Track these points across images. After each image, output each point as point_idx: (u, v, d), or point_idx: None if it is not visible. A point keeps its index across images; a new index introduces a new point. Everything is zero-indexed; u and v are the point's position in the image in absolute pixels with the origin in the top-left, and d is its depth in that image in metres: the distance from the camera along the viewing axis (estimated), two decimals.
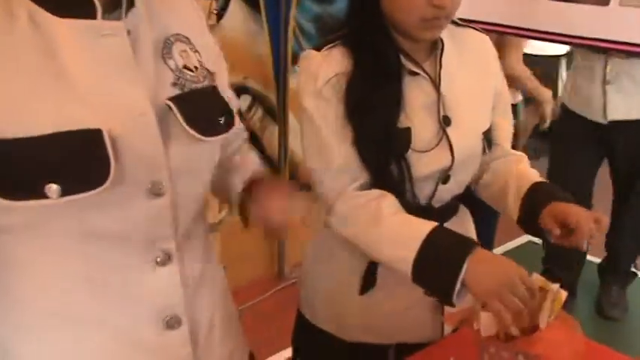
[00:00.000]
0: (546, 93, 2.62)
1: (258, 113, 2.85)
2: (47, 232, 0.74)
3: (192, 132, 0.80)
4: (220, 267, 1.02)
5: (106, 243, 0.77)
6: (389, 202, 1.13)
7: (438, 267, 1.04)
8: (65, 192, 0.69)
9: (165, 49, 0.82)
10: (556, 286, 1.05)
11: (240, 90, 2.76)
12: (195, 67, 0.85)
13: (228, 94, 0.94)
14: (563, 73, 4.09)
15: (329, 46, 1.17)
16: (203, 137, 0.82)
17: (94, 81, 0.73)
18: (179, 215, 0.83)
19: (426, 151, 1.16)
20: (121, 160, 0.73)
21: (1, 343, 0.81)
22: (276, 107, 2.84)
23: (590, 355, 1.11)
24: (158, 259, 0.82)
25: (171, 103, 0.79)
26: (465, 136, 1.20)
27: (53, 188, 0.69)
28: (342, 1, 3.04)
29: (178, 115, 0.79)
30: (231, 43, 2.63)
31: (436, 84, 1.18)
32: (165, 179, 0.79)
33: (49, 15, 0.71)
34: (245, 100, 2.78)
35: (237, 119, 0.93)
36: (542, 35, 1.91)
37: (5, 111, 0.68)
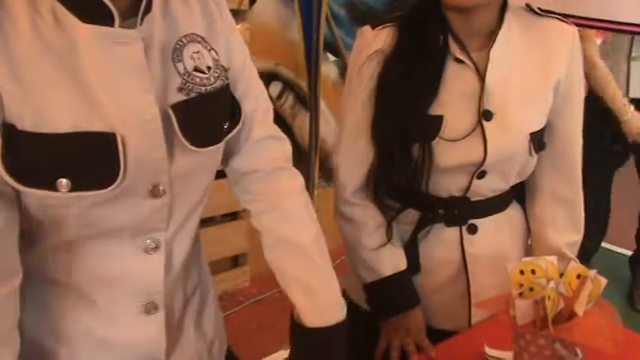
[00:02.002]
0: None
1: (289, 100, 2.85)
2: (46, 217, 0.77)
3: (187, 144, 0.81)
4: (204, 261, 1.04)
5: (100, 233, 0.80)
6: (369, 235, 1.22)
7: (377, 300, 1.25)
8: (74, 188, 0.73)
9: (175, 52, 0.82)
10: (594, 272, 1.03)
11: (271, 77, 2.76)
12: (209, 68, 0.85)
13: (243, 87, 0.93)
14: None
15: (384, 25, 1.17)
16: (197, 149, 0.83)
17: (108, 86, 0.75)
18: (174, 212, 0.86)
19: (455, 140, 1.13)
20: (129, 162, 0.76)
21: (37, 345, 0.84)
22: (307, 94, 2.83)
23: (628, 343, 1.09)
24: (146, 248, 0.85)
25: (171, 112, 0.80)
26: (506, 134, 1.15)
27: (64, 183, 0.72)
28: None
29: (176, 126, 0.80)
30: (263, 30, 2.63)
31: (481, 75, 1.14)
32: (165, 182, 0.81)
33: (73, 18, 0.73)
34: (276, 87, 2.79)
35: (242, 117, 0.92)
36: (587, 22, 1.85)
37: (29, 105, 0.70)
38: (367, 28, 1.19)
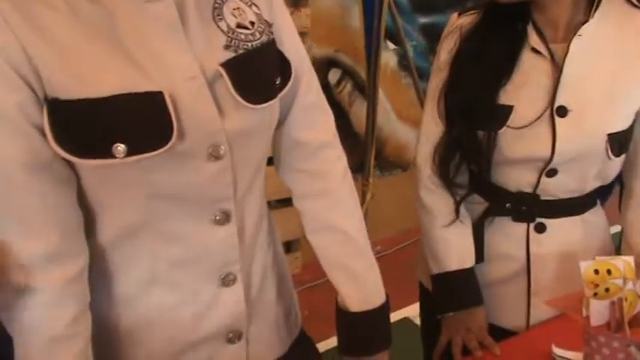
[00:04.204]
0: None
1: (347, 88, 2.84)
2: (113, 191, 0.77)
3: (242, 101, 0.80)
4: (275, 226, 1.04)
5: (167, 203, 0.80)
6: (440, 224, 1.22)
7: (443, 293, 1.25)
8: (131, 152, 0.72)
9: (215, 10, 0.81)
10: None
11: (330, 63, 2.75)
12: (252, 23, 0.84)
13: (288, 46, 0.92)
14: None
15: (471, 11, 1.17)
16: (254, 106, 0.82)
17: (147, 47, 0.74)
18: (238, 177, 0.85)
19: (521, 128, 1.09)
20: (181, 122, 0.75)
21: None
22: (365, 82, 2.81)
23: None
24: (217, 218, 0.84)
25: (222, 70, 0.78)
26: (580, 133, 1.09)
27: (120, 148, 0.72)
28: None
29: (229, 83, 0.79)
30: (323, 16, 2.62)
31: (559, 68, 1.09)
32: (223, 143, 0.80)
33: None
34: (335, 74, 2.77)
35: (294, 72, 0.91)
36: None
37: (69, 73, 0.70)
38: (454, 14, 1.21)
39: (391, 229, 2.92)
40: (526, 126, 1.09)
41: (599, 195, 1.24)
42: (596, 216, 1.25)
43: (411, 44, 3.00)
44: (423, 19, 2.98)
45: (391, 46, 2.94)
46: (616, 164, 1.16)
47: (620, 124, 1.12)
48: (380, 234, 2.98)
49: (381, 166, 3.04)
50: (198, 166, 0.79)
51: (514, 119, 1.10)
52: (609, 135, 1.10)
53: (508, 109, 1.10)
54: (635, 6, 1.11)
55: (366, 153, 2.83)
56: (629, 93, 1.10)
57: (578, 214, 1.21)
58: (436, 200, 1.22)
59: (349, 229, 1.00)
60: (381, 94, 2.84)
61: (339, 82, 2.81)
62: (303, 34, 2.43)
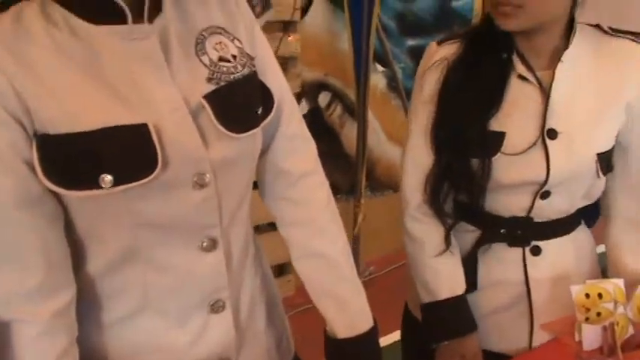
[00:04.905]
0: None
1: (337, 110, 2.86)
2: (101, 222, 0.79)
3: (224, 131, 0.82)
4: (262, 252, 1.06)
5: (155, 232, 0.81)
6: (429, 253, 1.21)
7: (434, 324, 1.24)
8: (118, 182, 0.74)
9: (198, 45, 0.84)
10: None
11: (320, 87, 2.77)
12: (234, 56, 0.86)
13: (270, 77, 0.95)
14: None
15: (450, 40, 1.18)
16: (236, 135, 0.84)
17: (132, 81, 0.76)
18: (223, 204, 0.87)
19: (516, 154, 1.11)
20: (166, 152, 0.77)
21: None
22: (355, 104, 2.84)
23: None
24: (204, 245, 0.86)
25: (204, 101, 0.81)
26: (571, 154, 1.12)
27: (107, 178, 0.73)
28: None
29: (211, 114, 0.81)
30: (313, 40, 2.65)
31: (546, 93, 1.12)
32: (208, 171, 0.82)
33: (86, 24, 0.75)
34: (325, 97, 2.80)
35: (276, 102, 0.94)
36: None
37: (58, 109, 0.72)
38: (432, 43, 1.21)
39: (384, 249, 2.93)
40: (521, 152, 1.11)
41: (586, 215, 1.26)
42: (583, 234, 1.27)
43: (400, 66, 3.03)
44: (411, 42, 3.02)
45: (380, 68, 2.98)
46: (602, 183, 1.19)
47: (607, 144, 1.15)
48: (373, 254, 2.98)
49: (372, 186, 3.06)
50: (184, 194, 0.81)
51: (507, 145, 1.11)
52: (598, 155, 1.13)
53: (500, 136, 1.12)
54: (605, 32, 1.16)
55: (357, 174, 2.85)
56: (612, 113, 1.14)
57: (568, 233, 1.23)
58: (425, 229, 1.22)
59: (333, 255, 1.01)
60: (371, 116, 2.87)
61: (329, 105, 2.83)
62: (293, 59, 2.45)
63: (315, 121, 2.79)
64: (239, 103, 0.86)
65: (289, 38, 2.40)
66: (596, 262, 1.29)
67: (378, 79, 2.98)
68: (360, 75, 2.73)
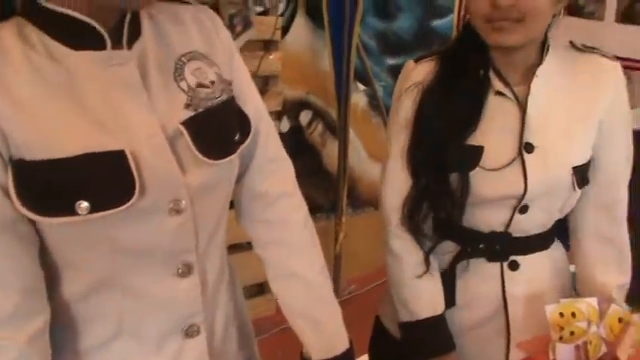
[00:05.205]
0: None
1: (318, 129, 2.88)
2: (78, 248, 0.78)
3: (202, 157, 0.83)
4: (235, 277, 1.06)
5: (131, 258, 0.81)
6: (409, 271, 1.21)
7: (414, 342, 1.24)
8: (94, 209, 0.74)
9: (176, 71, 0.84)
10: (636, 316, 1.02)
11: (301, 105, 2.79)
12: (213, 82, 0.87)
13: (247, 101, 0.96)
14: None
15: (427, 58, 1.19)
16: (214, 161, 0.85)
17: (109, 107, 0.77)
18: (199, 229, 0.87)
19: (495, 170, 1.12)
20: (143, 178, 0.77)
21: None
22: (336, 123, 2.85)
23: None
24: (180, 271, 0.86)
25: (182, 128, 0.81)
26: (548, 167, 1.14)
27: (83, 205, 0.73)
28: (404, 18, 3.05)
29: (189, 141, 0.81)
30: (294, 59, 2.67)
31: (523, 108, 1.14)
32: (184, 197, 0.82)
33: (63, 47, 0.75)
34: (306, 116, 2.81)
35: (253, 127, 0.94)
36: None
37: (34, 133, 0.72)
38: (410, 61, 1.22)
39: (365, 268, 2.93)
40: (500, 168, 1.12)
41: (561, 234, 1.28)
42: (559, 251, 1.29)
43: (381, 85, 3.06)
44: (391, 61, 3.05)
45: (361, 87, 3.00)
46: (576, 196, 1.20)
47: (583, 157, 1.17)
48: (355, 272, 2.98)
49: (354, 204, 3.07)
50: (160, 220, 0.81)
51: (485, 160, 1.13)
52: (574, 168, 1.15)
53: (479, 150, 1.13)
54: (577, 49, 1.19)
55: (338, 192, 2.86)
56: (586, 128, 1.16)
57: (546, 249, 1.24)
58: (407, 246, 1.22)
59: (310, 276, 1.02)
60: (352, 134, 2.88)
61: (310, 123, 2.85)
62: (274, 78, 2.47)
63: (297, 140, 2.80)
64: (217, 129, 0.87)
65: (270, 57, 2.41)
66: (569, 278, 1.30)
67: (359, 97, 3.01)
68: (341, 93, 2.75)
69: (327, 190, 2.91)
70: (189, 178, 0.82)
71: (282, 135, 2.82)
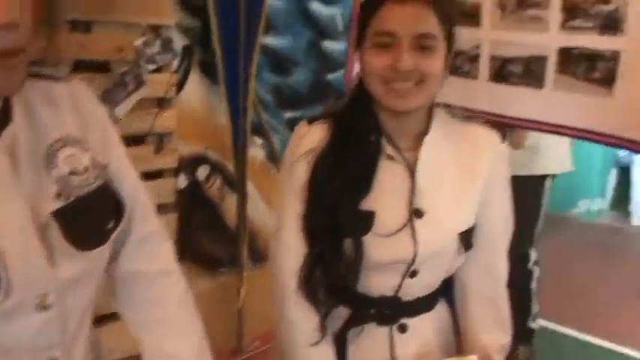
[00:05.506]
0: None
1: (217, 183, 2.86)
2: None
3: (73, 249, 0.81)
4: (104, 355, 1.03)
5: None
6: (304, 337, 1.19)
7: None
8: None
9: (48, 159, 0.82)
10: (474, 357, 1.08)
11: (199, 160, 2.77)
12: (86, 168, 0.85)
13: (123, 181, 0.93)
14: None
15: (320, 120, 1.20)
16: (85, 252, 0.83)
17: None
18: (67, 323, 0.84)
19: (386, 235, 1.14)
20: (10, 278, 0.73)
21: None
22: (234, 177, 2.85)
23: None
24: None
25: (52, 219, 0.79)
26: (436, 232, 1.17)
27: None
28: (300, 72, 3.13)
29: (59, 232, 0.79)
30: (190, 115, 2.66)
31: (412, 173, 1.16)
32: (51, 292, 0.79)
33: None
34: (204, 170, 2.79)
35: (129, 208, 0.92)
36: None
37: None
38: (303, 123, 1.23)
39: (270, 323, 2.90)
40: (391, 234, 1.14)
41: (445, 290, 1.32)
42: (444, 309, 1.33)
43: (278, 138, 3.10)
44: (288, 114, 3.11)
45: (258, 141, 3.03)
46: (461, 260, 1.25)
47: (468, 223, 1.21)
48: (258, 328, 2.93)
49: (254, 257, 3.05)
50: (26, 318, 0.77)
51: (377, 225, 1.14)
52: (460, 234, 1.19)
53: (371, 215, 1.15)
54: (458, 118, 1.25)
55: (238, 246, 2.84)
56: (470, 194, 1.21)
57: (432, 308, 1.28)
58: (303, 312, 1.20)
59: (185, 354, 0.99)
60: (251, 187, 2.89)
61: (208, 178, 2.83)
62: (169, 134, 2.44)
63: (195, 195, 2.76)
64: (89, 219, 0.84)
65: (164, 114, 2.39)
66: (452, 335, 1.35)
67: (256, 151, 3.03)
68: (237, 148, 2.76)
69: (226, 245, 2.88)
70: (59, 271, 0.79)
71: (180, 191, 2.76)
